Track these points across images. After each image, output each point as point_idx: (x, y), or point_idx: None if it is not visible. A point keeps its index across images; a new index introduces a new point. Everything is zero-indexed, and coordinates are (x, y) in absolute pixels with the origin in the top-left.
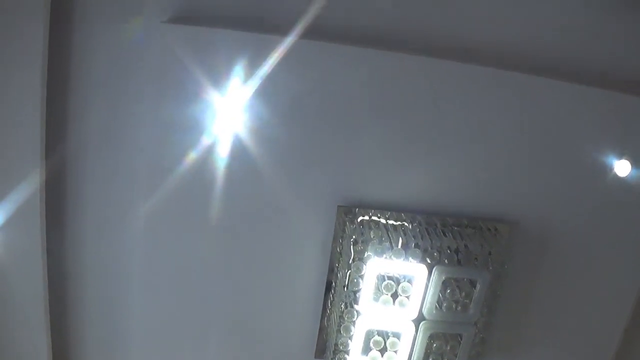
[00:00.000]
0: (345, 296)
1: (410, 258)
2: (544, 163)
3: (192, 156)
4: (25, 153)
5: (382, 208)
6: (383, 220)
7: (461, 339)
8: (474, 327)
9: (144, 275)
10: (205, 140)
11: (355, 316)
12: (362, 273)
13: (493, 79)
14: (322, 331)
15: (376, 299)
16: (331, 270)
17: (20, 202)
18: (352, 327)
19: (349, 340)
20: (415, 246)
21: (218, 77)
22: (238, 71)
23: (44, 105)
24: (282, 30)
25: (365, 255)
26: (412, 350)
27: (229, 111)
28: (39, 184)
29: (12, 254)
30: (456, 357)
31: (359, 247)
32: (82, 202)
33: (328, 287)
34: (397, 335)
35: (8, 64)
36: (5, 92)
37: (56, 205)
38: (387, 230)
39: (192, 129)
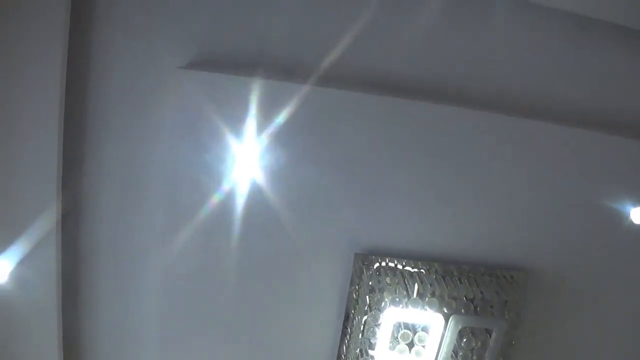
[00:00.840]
0: (361, 343)
1: (427, 307)
2: (559, 210)
3: (208, 203)
4: (42, 192)
5: (399, 255)
6: (400, 267)
7: None
8: None
9: (161, 325)
10: (222, 186)
11: None
12: (379, 322)
13: (508, 128)
14: None
15: (392, 348)
16: (347, 317)
17: (36, 241)
18: None
19: None
20: (432, 295)
21: (235, 123)
22: (255, 117)
23: (61, 145)
24: (298, 77)
25: (382, 304)
26: None
27: (245, 157)
28: (55, 223)
29: (27, 291)
30: None
31: (376, 295)
32: (97, 245)
33: (344, 333)
34: None
35: (26, 104)
36: (23, 131)
37: (71, 245)
38: (404, 277)
39: (208, 174)
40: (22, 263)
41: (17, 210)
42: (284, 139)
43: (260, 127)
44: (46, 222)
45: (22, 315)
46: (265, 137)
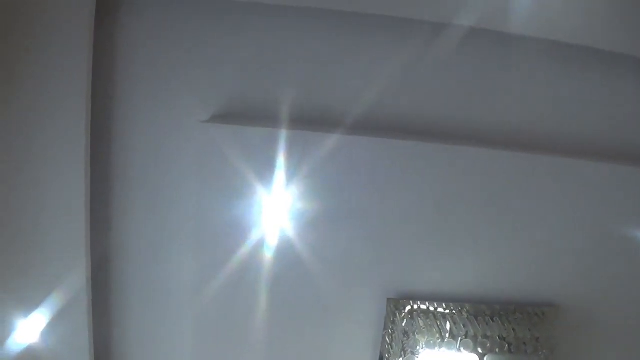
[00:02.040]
0: None
1: (461, 348)
2: (588, 246)
3: (237, 253)
4: (71, 249)
5: (431, 298)
6: (432, 309)
7: None
8: None
9: (193, 336)
10: (250, 238)
11: None
12: None
13: (536, 166)
14: None
15: None
16: None
17: (67, 300)
18: None
19: None
20: (465, 335)
21: (261, 174)
22: (281, 168)
23: (88, 203)
24: (324, 126)
25: (417, 348)
26: None
27: (273, 208)
28: (85, 280)
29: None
30: None
31: (411, 339)
32: (127, 303)
33: None
34: None
35: (51, 164)
36: (50, 189)
37: (102, 303)
38: (437, 319)
39: (235, 227)
40: (53, 322)
41: (46, 270)
42: (312, 189)
43: (288, 178)
44: (76, 280)
45: None
46: (293, 188)
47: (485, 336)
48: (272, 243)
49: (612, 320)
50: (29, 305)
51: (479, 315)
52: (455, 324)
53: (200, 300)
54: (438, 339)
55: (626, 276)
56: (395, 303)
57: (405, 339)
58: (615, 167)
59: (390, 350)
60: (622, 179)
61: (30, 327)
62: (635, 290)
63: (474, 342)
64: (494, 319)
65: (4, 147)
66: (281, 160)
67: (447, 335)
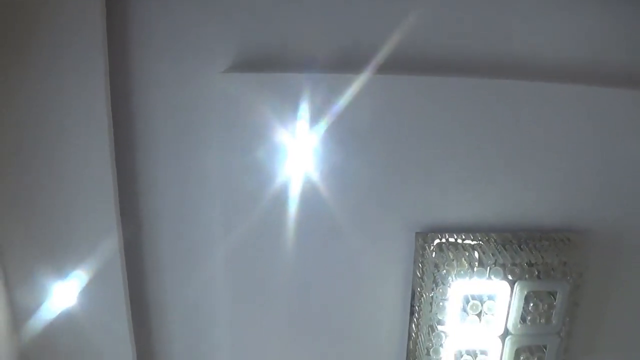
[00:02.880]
0: (430, 319)
1: (492, 276)
2: (612, 170)
3: (265, 199)
4: (101, 209)
5: (458, 230)
6: (460, 241)
7: (546, 349)
8: (558, 337)
9: (228, 313)
10: (278, 182)
11: (443, 338)
12: (447, 296)
13: (561, 95)
14: (410, 355)
15: (462, 320)
16: (413, 296)
17: (101, 262)
18: (440, 349)
19: None
20: (495, 264)
21: (283, 120)
22: (303, 113)
23: (114, 167)
24: (346, 68)
25: (449, 279)
26: None
27: (299, 151)
28: (117, 236)
29: (96, 311)
30: None
31: (442, 270)
32: (159, 251)
33: (412, 312)
34: (484, 352)
35: (75, 131)
36: (75, 158)
37: (134, 256)
38: (466, 250)
39: (262, 173)
40: (89, 286)
41: (79, 235)
42: (337, 129)
43: (312, 122)
44: (109, 243)
45: (95, 335)
46: (318, 131)
47: (514, 264)
48: (297, 186)
49: (637, 244)
50: (64, 270)
51: (506, 244)
52: (484, 253)
53: (229, 246)
54: (468, 269)
55: None
56: (424, 237)
57: (436, 271)
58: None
59: (422, 283)
60: None
61: (66, 292)
62: None
63: (503, 269)
64: (522, 246)
65: (23, 116)
66: (303, 105)
67: (477, 264)
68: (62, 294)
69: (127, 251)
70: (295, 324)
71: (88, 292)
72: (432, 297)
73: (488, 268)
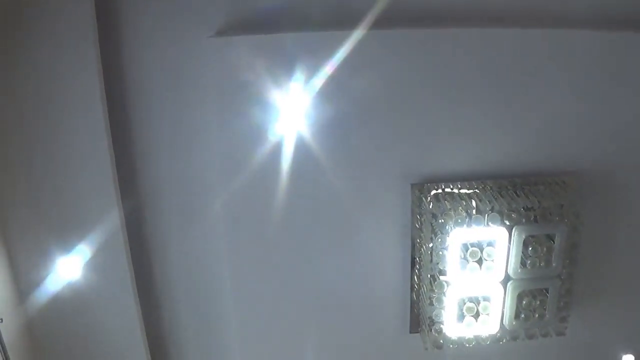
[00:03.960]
0: (432, 269)
1: (490, 223)
2: (603, 112)
3: (260, 158)
4: (100, 182)
5: (453, 179)
6: (456, 190)
7: (548, 292)
8: (559, 280)
9: (231, 266)
10: (272, 140)
11: (445, 287)
12: (446, 245)
13: (549, 41)
14: (413, 306)
15: (463, 268)
16: (413, 246)
17: (103, 232)
18: (443, 298)
19: (442, 311)
20: (491, 210)
21: (278, 79)
22: (298, 71)
23: (110, 138)
24: (335, 25)
25: (447, 228)
26: (504, 310)
27: (293, 108)
28: (116, 202)
29: (100, 281)
30: (546, 310)
31: (439, 220)
32: (160, 212)
33: (413, 263)
34: (487, 299)
35: (69, 108)
36: (71, 129)
37: (135, 221)
38: (462, 199)
39: (257, 131)
40: (93, 259)
41: (81, 209)
42: (331, 88)
43: (307, 80)
44: (109, 211)
45: (100, 303)
46: (312, 89)
47: (511, 209)
48: (291, 143)
49: (632, 185)
50: (68, 244)
51: (502, 190)
52: (480, 201)
53: (227, 202)
54: (466, 217)
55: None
56: (420, 188)
57: (434, 221)
58: (630, 35)
59: (421, 235)
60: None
61: (71, 265)
62: None
63: (500, 216)
64: (518, 192)
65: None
66: (296, 64)
67: (474, 212)
68: (67, 267)
69: (127, 214)
70: (294, 279)
71: (92, 263)
72: (431, 247)
73: (485, 215)
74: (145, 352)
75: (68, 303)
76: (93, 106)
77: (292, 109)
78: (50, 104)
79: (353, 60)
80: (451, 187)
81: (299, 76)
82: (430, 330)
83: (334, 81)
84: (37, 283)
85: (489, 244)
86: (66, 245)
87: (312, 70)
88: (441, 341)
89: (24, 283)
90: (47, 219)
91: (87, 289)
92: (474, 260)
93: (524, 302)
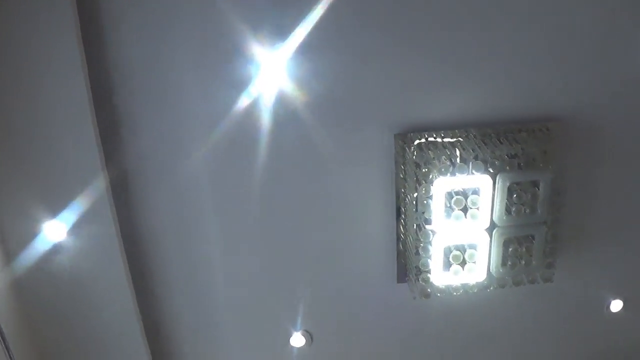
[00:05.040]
0: (417, 218)
1: (473, 171)
2: (584, 57)
3: (242, 112)
4: (84, 135)
5: (436, 128)
6: (439, 139)
7: (534, 239)
8: (544, 226)
9: (216, 223)
10: (253, 95)
11: (431, 236)
12: (430, 194)
13: None
14: (400, 256)
15: (448, 216)
16: (398, 197)
17: (88, 187)
18: (429, 247)
19: (429, 260)
20: (475, 158)
21: (257, 33)
22: (277, 23)
23: (90, 97)
24: None
25: (431, 177)
26: (490, 258)
27: (273, 61)
28: (101, 165)
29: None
30: (532, 257)
31: (423, 169)
32: (143, 171)
33: (398, 213)
34: (473, 247)
35: (49, 72)
36: (53, 95)
37: (120, 185)
38: (445, 147)
39: (237, 86)
40: (80, 222)
41: (67, 173)
42: (311, 39)
43: (286, 32)
44: (91, 171)
45: (87, 265)
46: (292, 41)
47: (494, 156)
48: (272, 97)
49: (617, 128)
50: (54, 208)
51: (486, 138)
52: (464, 149)
53: (209, 158)
54: (450, 165)
55: (628, 86)
56: (403, 138)
57: (417, 171)
58: None
59: (405, 184)
60: None
61: (58, 229)
62: (636, 99)
63: (484, 163)
64: (501, 139)
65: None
66: (275, 17)
67: (458, 160)
68: (53, 231)
69: (112, 177)
70: (279, 233)
71: (79, 226)
72: (416, 196)
73: (469, 163)
74: (135, 313)
75: (55, 266)
76: (74, 69)
77: (271, 63)
78: (30, 68)
79: (334, 11)
80: (434, 136)
81: (278, 29)
82: (418, 280)
83: (314, 32)
84: (23, 246)
85: (474, 192)
86: (52, 209)
87: (292, 23)
88: (429, 290)
89: (10, 245)
90: (32, 184)
91: (74, 251)
92: (459, 208)
93: (510, 249)
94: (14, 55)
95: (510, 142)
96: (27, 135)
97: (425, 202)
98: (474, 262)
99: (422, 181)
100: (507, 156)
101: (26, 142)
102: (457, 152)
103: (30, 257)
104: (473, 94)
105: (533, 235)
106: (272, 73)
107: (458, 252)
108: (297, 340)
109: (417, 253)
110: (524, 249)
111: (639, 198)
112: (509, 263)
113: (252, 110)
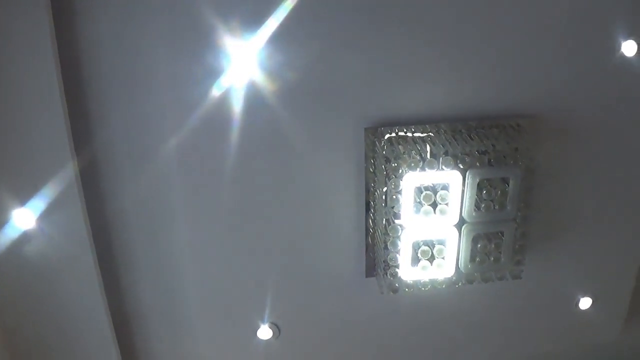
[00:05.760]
0: (386, 213)
1: (443, 167)
2: (556, 53)
3: (212, 103)
4: (54, 123)
5: (407, 123)
6: (409, 134)
7: (503, 235)
8: (514, 223)
9: (185, 213)
10: (224, 86)
11: (400, 231)
12: (400, 189)
13: None
14: (369, 250)
15: (417, 211)
16: (367, 191)
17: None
18: (398, 242)
19: (397, 255)
20: (445, 154)
21: (229, 23)
22: (248, 14)
23: (60, 76)
24: None
25: (400, 172)
26: (459, 254)
27: (244, 53)
28: (70, 153)
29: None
30: (501, 253)
31: (392, 164)
32: (113, 159)
33: (367, 207)
34: (442, 242)
35: (18, 58)
36: (21, 81)
37: (90, 173)
38: (416, 143)
39: (208, 77)
40: (48, 210)
41: (34, 161)
42: (281, 32)
43: (257, 23)
44: (61, 159)
45: (56, 254)
46: (263, 32)
47: (464, 153)
48: (242, 89)
49: (589, 126)
50: (21, 196)
51: (456, 134)
52: (434, 144)
53: (180, 148)
54: (419, 161)
55: (599, 82)
56: (373, 132)
57: (387, 165)
58: None
59: (375, 179)
60: None
61: (26, 217)
62: (608, 97)
63: (454, 159)
64: (472, 135)
65: None
66: (246, 7)
67: (428, 156)
68: (22, 219)
69: (82, 166)
70: (247, 226)
71: (48, 215)
72: (385, 191)
73: (439, 159)
74: (103, 302)
75: (23, 254)
76: (43, 54)
77: (243, 53)
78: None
79: (306, 2)
80: (405, 130)
81: (249, 19)
82: (386, 274)
83: (286, 24)
84: None
85: (443, 188)
86: (20, 197)
87: (264, 12)
88: (397, 285)
89: None
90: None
91: (43, 239)
92: (428, 203)
93: (479, 245)
94: None
95: (481, 138)
96: None
97: (394, 196)
98: (443, 258)
99: (392, 176)
100: (478, 152)
101: None
102: (427, 148)
103: None
104: (444, 89)
105: (502, 232)
106: (243, 63)
107: (427, 248)
108: (264, 332)
109: (386, 247)
110: (493, 246)
111: (610, 196)
112: (478, 259)
113: (223, 100)
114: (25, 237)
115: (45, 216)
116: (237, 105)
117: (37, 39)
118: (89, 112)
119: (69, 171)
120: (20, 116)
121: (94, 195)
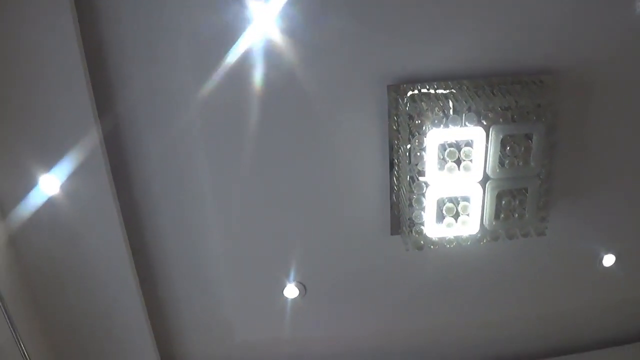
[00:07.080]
0: (410, 170)
1: (467, 123)
2: (578, 9)
3: (235, 61)
4: (77, 89)
5: (429, 79)
6: (432, 91)
7: (527, 192)
8: (538, 179)
9: (209, 173)
10: (245, 44)
11: (424, 188)
12: (424, 146)
13: None
14: (393, 208)
15: (441, 168)
16: (391, 148)
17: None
18: (423, 199)
19: (422, 212)
20: (468, 110)
21: None
22: None
23: (82, 51)
24: None
25: (424, 128)
26: (484, 211)
27: (266, 11)
28: (94, 119)
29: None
30: (525, 210)
31: (416, 121)
32: (136, 123)
33: (391, 165)
34: (466, 199)
35: (41, 26)
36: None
37: (114, 137)
38: (438, 99)
39: (230, 35)
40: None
41: (56, 123)
42: None
43: None
44: (85, 124)
45: (82, 218)
46: None
47: (487, 109)
48: (264, 47)
49: (610, 82)
50: (48, 162)
51: (479, 90)
52: (457, 101)
53: (202, 103)
54: (442, 117)
55: (622, 39)
56: (396, 89)
57: (410, 122)
58: None
59: (399, 136)
60: None
61: (52, 182)
62: (631, 51)
63: (477, 115)
64: (494, 91)
65: None
66: None
67: (451, 112)
68: (48, 184)
69: (105, 130)
70: (273, 185)
71: (73, 180)
72: (409, 148)
73: (462, 115)
74: (130, 264)
75: (49, 219)
76: (64, 21)
77: (264, 12)
78: (21, 23)
79: None
80: (427, 87)
81: None
82: (411, 232)
83: None
84: (17, 199)
85: (467, 144)
86: (46, 163)
87: None
88: (422, 242)
89: (4, 199)
90: (25, 139)
91: (69, 204)
92: (452, 160)
93: (504, 202)
94: (6, 9)
95: (503, 95)
96: (20, 90)
97: (418, 154)
98: (467, 215)
99: (415, 133)
100: (500, 108)
101: (20, 98)
102: (450, 104)
103: (26, 211)
104: (466, 46)
105: (526, 188)
106: (263, 24)
107: (451, 205)
108: (291, 291)
109: (411, 205)
110: (517, 202)
111: (635, 152)
112: (502, 216)
113: (243, 62)
114: (51, 202)
115: (70, 181)
116: (258, 67)
117: (57, 4)
118: (111, 79)
119: (93, 136)
120: (44, 84)
121: (118, 160)
